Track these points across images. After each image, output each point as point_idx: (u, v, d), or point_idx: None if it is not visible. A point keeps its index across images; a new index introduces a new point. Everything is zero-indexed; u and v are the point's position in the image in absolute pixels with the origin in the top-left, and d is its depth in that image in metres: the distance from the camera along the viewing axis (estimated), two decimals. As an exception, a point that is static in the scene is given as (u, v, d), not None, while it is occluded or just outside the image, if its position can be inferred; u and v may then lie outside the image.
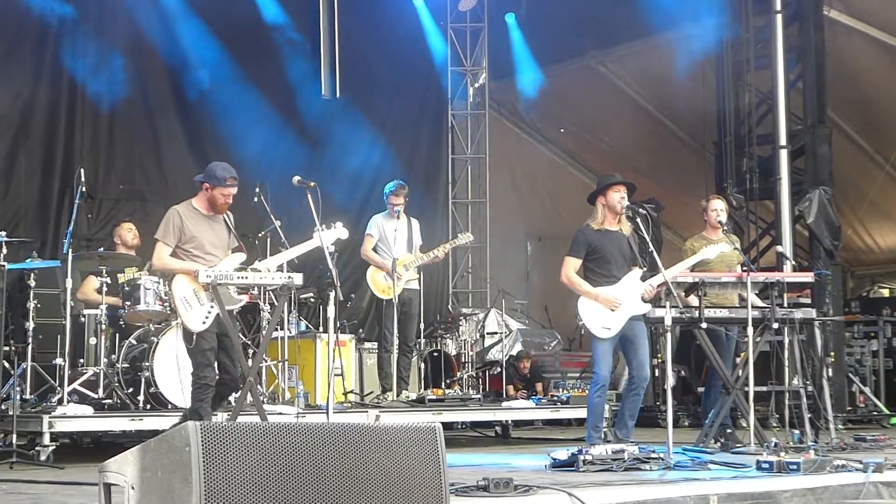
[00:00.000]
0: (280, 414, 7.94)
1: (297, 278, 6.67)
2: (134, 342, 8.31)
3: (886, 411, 12.10)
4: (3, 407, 7.50)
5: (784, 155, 11.89)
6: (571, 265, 7.39)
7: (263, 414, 6.82)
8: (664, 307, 6.98)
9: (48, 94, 10.74)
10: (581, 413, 8.90)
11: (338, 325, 8.60)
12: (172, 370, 7.65)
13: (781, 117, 11.91)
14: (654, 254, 7.29)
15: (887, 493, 5.72)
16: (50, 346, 8.39)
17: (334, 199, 9.55)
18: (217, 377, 6.74)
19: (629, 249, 7.42)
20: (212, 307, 6.56)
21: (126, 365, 8.18)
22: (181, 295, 6.60)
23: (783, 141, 11.90)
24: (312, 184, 6.97)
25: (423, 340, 10.54)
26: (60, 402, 7.58)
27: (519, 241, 15.86)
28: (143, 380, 7.98)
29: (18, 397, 7.45)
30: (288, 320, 9.52)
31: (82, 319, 8.44)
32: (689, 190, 13.62)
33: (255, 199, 8.25)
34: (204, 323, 6.58)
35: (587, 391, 8.22)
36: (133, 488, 3.70)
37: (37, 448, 7.07)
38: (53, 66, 10.70)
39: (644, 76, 14.66)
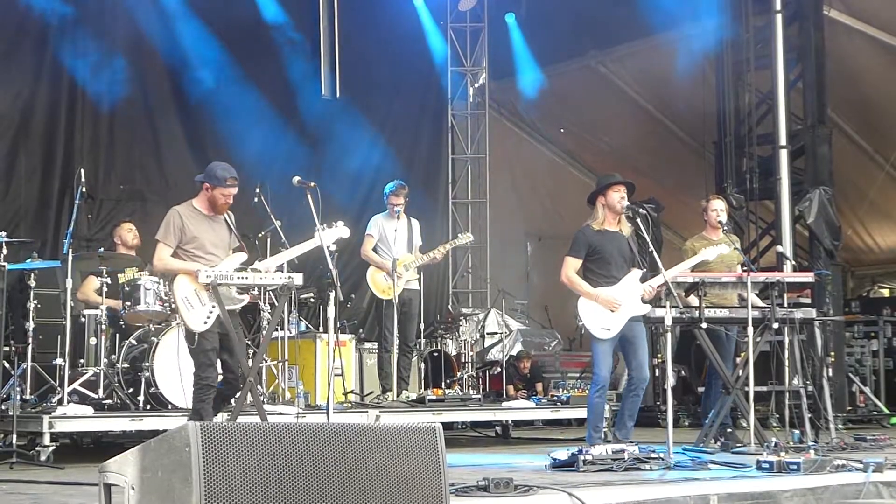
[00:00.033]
0: (280, 414, 7.94)
1: (298, 278, 6.67)
2: (134, 342, 8.31)
3: (886, 411, 12.10)
4: (3, 407, 7.49)
5: (784, 155, 11.89)
6: (571, 265, 7.39)
7: (263, 414, 6.81)
8: (664, 307, 6.98)
9: (48, 94, 10.74)
10: (581, 413, 8.91)
11: (338, 325, 8.60)
12: (173, 370, 7.64)
13: (781, 117, 11.92)
14: (654, 254, 7.29)
15: (887, 493, 5.72)
16: (50, 347, 8.39)
17: (334, 199, 9.55)
18: (221, 377, 6.75)
19: (629, 250, 7.42)
20: (213, 307, 6.55)
21: (126, 365, 8.19)
22: (183, 295, 6.60)
23: (783, 141, 11.90)
24: (312, 184, 6.97)
25: (423, 340, 10.54)
26: (60, 402, 7.58)
27: (519, 241, 15.87)
28: (143, 380, 7.98)
29: (18, 397, 7.45)
30: (288, 320, 9.52)
31: (82, 320, 8.44)
32: (689, 190, 13.63)
33: (256, 199, 8.24)
34: (206, 323, 6.58)
35: (587, 391, 8.23)
36: (133, 488, 3.70)
37: (37, 448, 7.08)
38: (53, 66, 10.70)
39: (644, 76, 14.66)
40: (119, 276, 8.57)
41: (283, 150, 11.57)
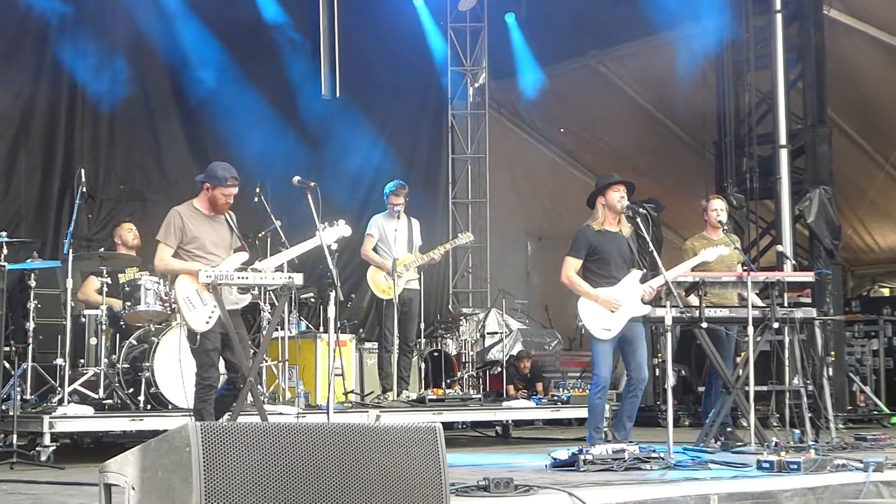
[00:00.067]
0: (280, 414, 7.94)
1: (298, 278, 6.67)
2: (134, 342, 8.32)
3: (887, 410, 12.10)
4: (3, 407, 7.48)
5: (784, 154, 11.90)
6: (572, 265, 7.38)
7: (264, 414, 6.82)
8: (664, 307, 6.98)
9: (48, 94, 10.74)
10: (581, 413, 8.91)
11: (338, 325, 8.60)
12: (173, 370, 7.63)
13: (781, 117, 11.92)
14: (655, 254, 7.28)
15: (888, 493, 5.72)
16: (50, 347, 8.39)
17: (334, 199, 9.55)
18: (224, 377, 6.75)
19: (629, 251, 7.42)
20: (215, 307, 6.55)
21: (126, 365, 8.19)
22: (184, 295, 6.60)
23: (783, 140, 11.91)
24: (312, 184, 6.96)
25: (423, 340, 10.53)
26: (61, 402, 7.58)
27: (519, 241, 15.86)
28: (143, 380, 7.98)
29: (19, 398, 7.46)
30: (288, 320, 9.51)
31: (83, 320, 8.44)
32: (689, 190, 13.63)
33: (256, 199, 8.25)
34: (207, 323, 6.58)
35: (587, 391, 8.23)
36: (133, 488, 3.70)
37: (37, 448, 7.08)
38: (53, 66, 10.69)
39: (644, 76, 14.66)
40: (119, 276, 8.57)
41: (283, 150, 11.57)
